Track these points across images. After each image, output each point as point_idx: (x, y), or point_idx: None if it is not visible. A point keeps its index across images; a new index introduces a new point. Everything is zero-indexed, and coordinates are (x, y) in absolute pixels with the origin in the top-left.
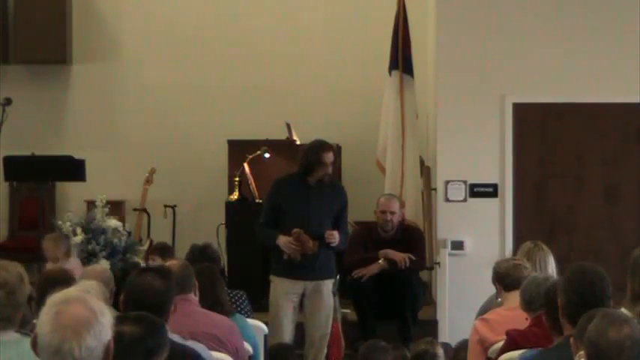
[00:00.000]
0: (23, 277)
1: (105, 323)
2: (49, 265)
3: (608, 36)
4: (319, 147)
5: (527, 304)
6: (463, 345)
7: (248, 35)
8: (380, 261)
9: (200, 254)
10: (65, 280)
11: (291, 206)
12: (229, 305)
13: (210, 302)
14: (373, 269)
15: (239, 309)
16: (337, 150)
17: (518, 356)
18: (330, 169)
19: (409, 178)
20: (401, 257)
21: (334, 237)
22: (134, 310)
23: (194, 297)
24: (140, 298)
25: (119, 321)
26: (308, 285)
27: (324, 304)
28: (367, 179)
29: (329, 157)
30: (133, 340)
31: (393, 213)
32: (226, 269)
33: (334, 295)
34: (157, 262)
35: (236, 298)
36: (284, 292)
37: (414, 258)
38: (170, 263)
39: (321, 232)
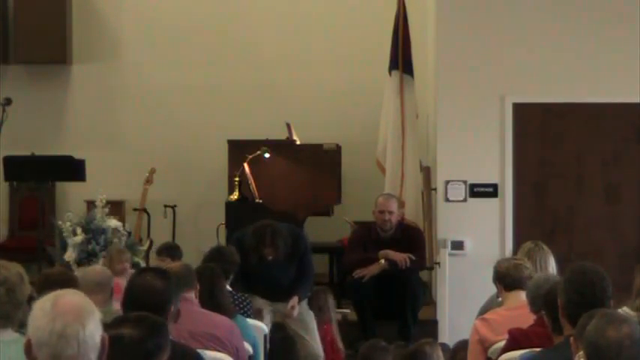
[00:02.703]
0: (23, 276)
1: (98, 317)
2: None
3: (608, 36)
4: (258, 243)
5: (530, 305)
6: (462, 345)
7: (248, 35)
8: (380, 261)
9: (217, 255)
10: (65, 280)
11: (251, 264)
12: (231, 307)
13: (210, 303)
14: (374, 269)
15: (242, 311)
16: (337, 150)
17: (519, 356)
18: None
19: (409, 178)
20: (401, 258)
21: (293, 312)
22: (134, 310)
23: (194, 297)
24: (140, 298)
25: (119, 322)
26: (280, 306)
27: (304, 325)
28: (367, 179)
29: (267, 252)
30: (133, 341)
31: (391, 212)
32: None
33: (310, 307)
34: (166, 262)
35: (240, 300)
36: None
37: (414, 258)
38: (171, 264)
39: (285, 279)
